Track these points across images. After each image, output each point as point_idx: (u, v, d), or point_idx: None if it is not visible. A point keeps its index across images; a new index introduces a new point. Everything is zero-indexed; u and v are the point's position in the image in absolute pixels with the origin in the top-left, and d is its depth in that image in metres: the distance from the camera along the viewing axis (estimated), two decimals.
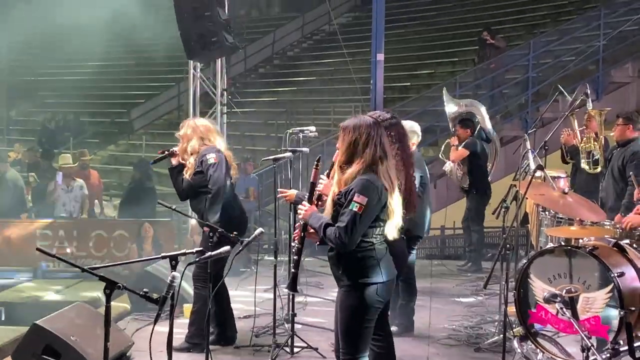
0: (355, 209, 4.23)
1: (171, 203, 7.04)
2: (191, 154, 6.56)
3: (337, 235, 4.27)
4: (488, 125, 10.53)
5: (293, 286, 4.71)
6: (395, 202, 4.43)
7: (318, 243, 4.58)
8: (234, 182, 6.88)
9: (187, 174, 6.60)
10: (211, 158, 6.49)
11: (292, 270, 4.67)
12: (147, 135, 21.31)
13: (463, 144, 9.88)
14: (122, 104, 22.95)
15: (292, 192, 5.25)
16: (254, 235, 5.17)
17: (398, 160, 4.83)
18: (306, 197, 4.67)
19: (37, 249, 3.96)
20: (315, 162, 4.70)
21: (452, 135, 10.19)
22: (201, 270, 6.37)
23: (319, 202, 4.64)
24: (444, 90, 11.00)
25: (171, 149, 6.75)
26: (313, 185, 4.64)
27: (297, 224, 4.72)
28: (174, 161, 6.70)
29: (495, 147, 10.81)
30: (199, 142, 6.57)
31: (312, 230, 4.53)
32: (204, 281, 6.44)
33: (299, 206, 4.61)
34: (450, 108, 10.54)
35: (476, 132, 10.14)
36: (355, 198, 4.24)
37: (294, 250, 4.72)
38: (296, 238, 4.67)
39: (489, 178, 10.24)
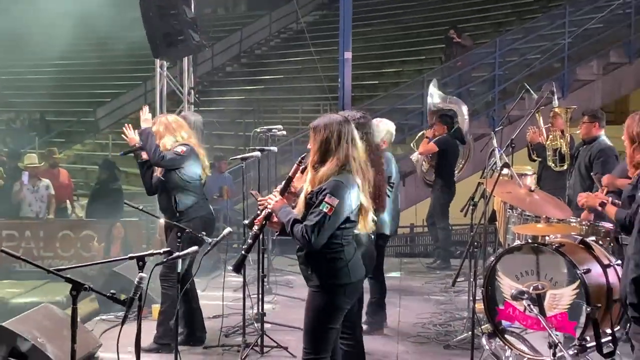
0: (325, 210, 4.22)
1: (138, 203, 6.99)
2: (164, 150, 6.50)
3: (303, 234, 4.26)
4: (466, 126, 10.58)
5: (238, 268, 4.60)
6: (367, 199, 4.43)
7: (277, 233, 4.57)
8: (204, 181, 6.81)
9: (157, 171, 6.55)
10: (179, 148, 6.45)
11: (242, 252, 4.59)
12: (114, 135, 21.07)
13: (435, 139, 9.92)
14: (87, 103, 22.75)
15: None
16: (222, 235, 5.14)
17: (366, 159, 4.83)
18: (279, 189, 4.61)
19: (2, 251, 3.91)
20: (300, 158, 4.63)
21: (429, 127, 10.24)
22: (168, 270, 6.33)
23: (292, 198, 4.58)
24: (434, 80, 11.01)
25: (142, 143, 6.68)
26: (290, 179, 4.59)
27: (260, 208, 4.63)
28: (145, 155, 6.64)
29: (469, 148, 10.86)
30: (171, 140, 6.51)
31: (275, 220, 4.51)
32: (171, 281, 6.40)
33: (270, 195, 4.57)
34: (434, 99, 10.57)
35: (452, 130, 10.17)
36: (326, 199, 4.23)
37: (250, 233, 4.65)
38: (257, 223, 4.62)
39: (454, 177, 10.30)
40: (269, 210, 4.52)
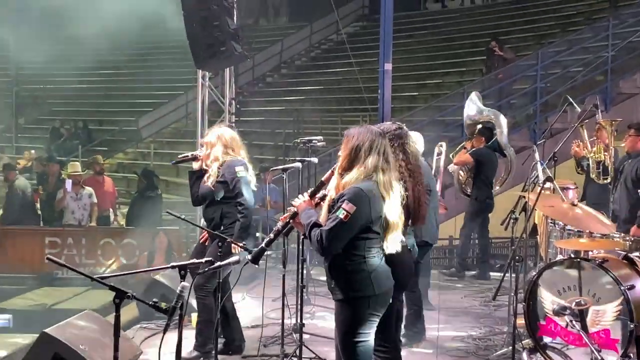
0: (341, 216, 4.16)
1: (178, 212, 7.04)
2: (213, 162, 6.54)
3: (318, 238, 4.22)
4: (505, 139, 10.49)
5: (255, 259, 4.60)
6: (394, 214, 4.34)
7: (303, 235, 4.56)
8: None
9: (208, 181, 6.59)
10: (240, 171, 6.44)
11: (262, 246, 4.59)
12: (155, 144, 21.37)
13: (471, 151, 9.89)
14: (130, 112, 23.03)
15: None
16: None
17: (403, 171, 4.81)
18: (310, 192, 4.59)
19: (47, 258, 3.96)
20: (335, 165, 4.61)
21: (469, 139, 10.21)
22: (204, 279, 6.36)
23: (321, 203, 4.54)
24: (473, 93, 10.95)
25: (195, 153, 6.74)
26: (322, 183, 4.56)
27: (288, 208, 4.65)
28: (196, 165, 6.68)
29: (510, 161, 10.76)
30: (222, 150, 6.53)
31: (299, 220, 4.49)
32: (206, 290, 6.43)
33: (299, 195, 4.57)
34: (470, 111, 10.52)
35: (490, 142, 10.11)
36: (344, 205, 4.17)
37: (274, 229, 4.64)
38: (282, 220, 4.62)
39: (492, 189, 10.23)
40: (295, 210, 4.52)
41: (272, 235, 4.61)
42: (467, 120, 10.51)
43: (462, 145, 10.44)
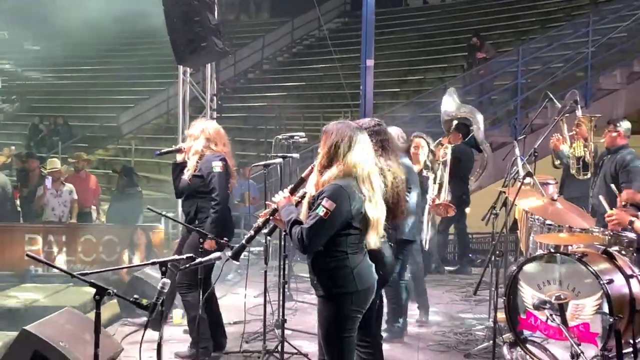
0: (321, 214, 4.16)
1: (160, 208, 7.03)
2: (193, 154, 6.52)
3: (299, 236, 4.22)
4: (481, 135, 10.55)
5: (235, 256, 4.63)
6: (375, 210, 4.33)
7: (285, 232, 4.56)
8: (230, 189, 6.84)
9: (186, 174, 6.57)
10: (217, 167, 6.42)
11: (243, 242, 4.59)
12: (136, 140, 21.28)
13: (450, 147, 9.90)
14: (110, 109, 22.91)
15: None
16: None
17: (382, 166, 4.81)
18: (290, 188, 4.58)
19: (27, 255, 3.94)
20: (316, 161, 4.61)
21: (445, 135, 10.23)
22: (185, 276, 6.34)
23: (301, 200, 4.53)
24: (451, 88, 10.98)
25: (179, 145, 6.72)
26: (302, 179, 4.55)
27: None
28: (179, 157, 6.68)
29: (486, 157, 10.82)
30: (204, 144, 6.51)
31: (279, 217, 4.49)
32: (187, 287, 6.41)
33: (279, 192, 4.56)
34: (448, 107, 10.53)
35: (467, 138, 10.15)
36: (323, 202, 4.17)
37: (254, 225, 4.64)
38: (262, 217, 4.63)
39: (469, 185, 10.27)
40: (275, 206, 4.51)
41: (252, 231, 4.61)
42: (445, 116, 10.53)
43: (438, 141, 10.46)
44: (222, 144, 6.61)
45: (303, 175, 4.58)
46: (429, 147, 7.84)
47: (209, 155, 6.47)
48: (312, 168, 4.50)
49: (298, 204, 4.52)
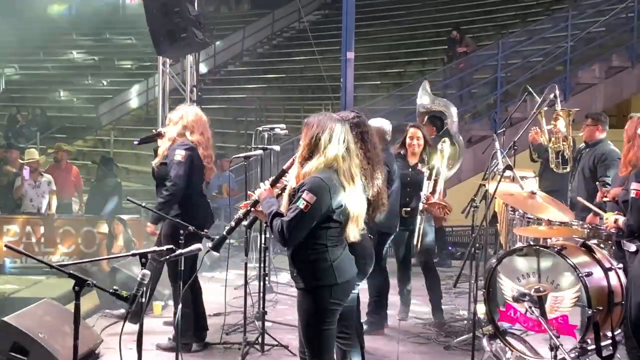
0: (301, 206, 4.14)
1: (139, 199, 6.99)
2: (167, 141, 6.45)
3: (279, 229, 4.20)
4: (455, 128, 10.60)
5: (216, 247, 4.64)
6: (355, 203, 4.33)
7: (266, 224, 4.55)
8: (208, 180, 6.79)
9: (155, 161, 6.51)
10: (179, 155, 6.32)
11: (224, 233, 4.60)
12: (116, 131, 21.15)
13: None
14: (89, 99, 22.75)
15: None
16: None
17: (362, 159, 4.81)
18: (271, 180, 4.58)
19: (6, 246, 3.91)
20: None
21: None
22: (171, 268, 6.32)
23: (282, 192, 4.52)
24: (426, 82, 11.00)
25: (159, 130, 6.65)
26: (283, 171, 4.54)
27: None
28: (160, 142, 6.61)
29: (458, 150, 10.87)
30: (179, 131, 6.42)
31: (260, 209, 4.49)
32: (173, 279, 6.39)
33: (260, 184, 4.56)
34: (424, 100, 10.56)
35: (442, 132, 10.17)
36: (304, 195, 4.15)
37: (234, 217, 4.65)
38: (242, 208, 4.62)
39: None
40: (256, 198, 4.50)
41: (233, 223, 4.61)
42: (420, 109, 10.55)
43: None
44: (200, 132, 6.51)
45: (284, 167, 4.56)
46: (425, 138, 7.65)
47: (177, 144, 6.40)
48: (294, 160, 4.48)
49: (279, 196, 4.51)
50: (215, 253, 4.71)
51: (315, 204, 4.15)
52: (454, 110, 10.60)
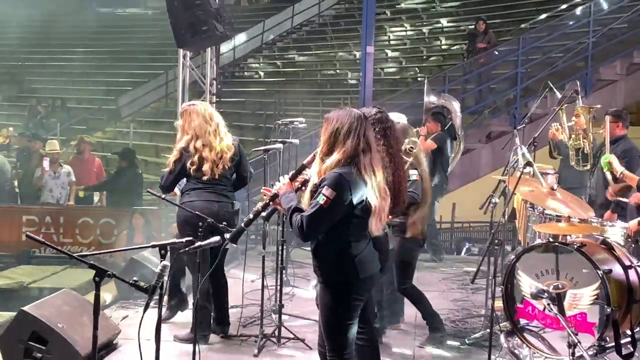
0: (321, 202, 4.12)
1: (158, 191, 7.01)
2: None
3: (299, 224, 4.19)
4: (458, 122, 10.66)
5: (233, 238, 4.63)
6: (376, 198, 4.29)
7: (284, 217, 4.54)
8: (220, 173, 6.73)
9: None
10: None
11: (242, 225, 4.61)
12: (135, 123, 21.23)
13: (432, 136, 9.88)
14: (109, 91, 22.86)
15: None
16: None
17: (384, 155, 4.78)
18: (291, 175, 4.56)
19: (27, 236, 3.94)
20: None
21: (423, 125, 10.23)
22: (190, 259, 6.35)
23: (302, 187, 4.51)
24: (426, 82, 11.08)
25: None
26: (303, 166, 4.52)
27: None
28: None
29: (459, 145, 10.92)
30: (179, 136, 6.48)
31: (279, 202, 4.47)
32: (193, 272, 6.41)
33: (280, 177, 4.55)
34: (431, 99, 10.63)
35: (446, 127, 10.17)
36: (324, 191, 4.14)
37: (253, 209, 4.62)
38: (261, 201, 4.61)
39: (447, 173, 10.31)
40: (275, 192, 4.49)
41: (251, 215, 4.60)
42: (428, 105, 10.61)
43: (416, 130, 10.46)
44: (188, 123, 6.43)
45: (305, 162, 4.55)
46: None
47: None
48: (314, 156, 4.46)
49: (298, 190, 4.51)
50: (233, 245, 4.72)
51: (335, 200, 4.14)
52: (457, 105, 10.75)
